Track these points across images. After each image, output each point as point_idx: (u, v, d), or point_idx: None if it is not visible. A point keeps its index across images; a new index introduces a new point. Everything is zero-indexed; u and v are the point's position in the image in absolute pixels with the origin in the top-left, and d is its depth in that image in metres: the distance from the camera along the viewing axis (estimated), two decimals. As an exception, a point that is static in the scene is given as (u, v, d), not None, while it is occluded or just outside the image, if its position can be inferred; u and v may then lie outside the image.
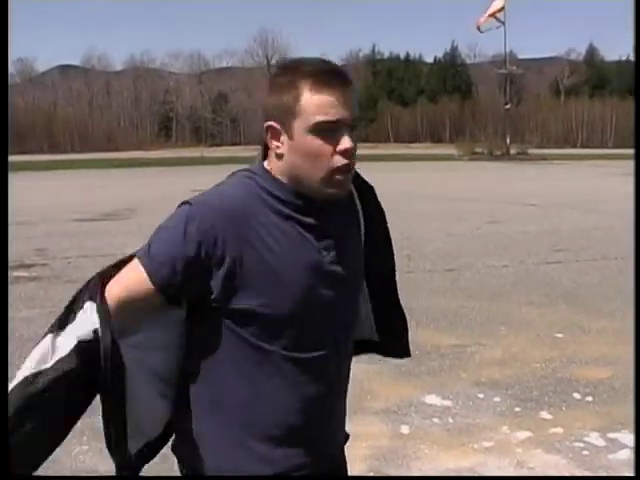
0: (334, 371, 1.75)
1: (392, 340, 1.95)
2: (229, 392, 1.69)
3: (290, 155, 1.61)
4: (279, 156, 1.63)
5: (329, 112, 1.56)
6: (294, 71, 1.59)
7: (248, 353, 1.66)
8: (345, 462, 1.91)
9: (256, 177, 1.67)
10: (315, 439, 1.74)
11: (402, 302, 1.95)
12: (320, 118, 1.56)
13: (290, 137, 1.59)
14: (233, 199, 1.63)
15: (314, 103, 1.56)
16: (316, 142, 1.57)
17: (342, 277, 1.70)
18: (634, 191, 11.51)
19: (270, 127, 1.62)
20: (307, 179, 1.61)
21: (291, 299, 1.63)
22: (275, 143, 1.62)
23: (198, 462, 1.72)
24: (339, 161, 1.59)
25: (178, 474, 1.82)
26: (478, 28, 59.45)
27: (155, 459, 1.80)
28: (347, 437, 1.91)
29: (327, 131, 1.57)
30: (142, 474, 1.77)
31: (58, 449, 1.67)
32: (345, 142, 1.58)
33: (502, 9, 58.57)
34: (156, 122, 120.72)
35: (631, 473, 3.97)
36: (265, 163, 1.69)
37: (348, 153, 1.59)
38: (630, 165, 38.62)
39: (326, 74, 1.58)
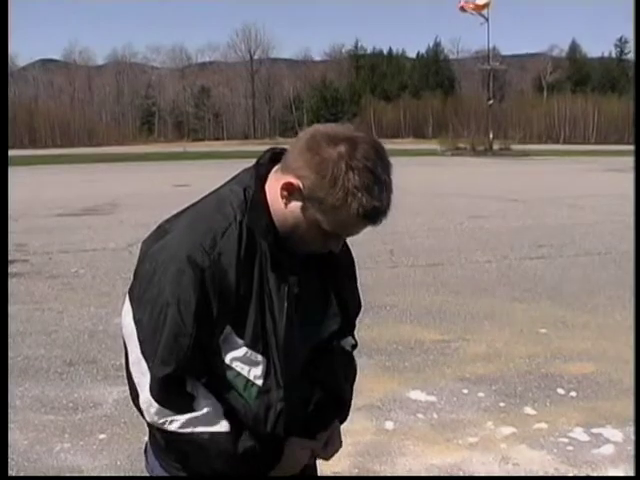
0: None
1: None
2: None
3: (288, 215, 1.64)
4: (283, 197, 1.63)
5: (349, 232, 1.68)
6: (358, 190, 1.56)
7: None
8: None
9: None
10: None
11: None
12: (339, 231, 1.66)
13: (302, 212, 1.62)
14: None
15: (347, 223, 1.62)
16: (317, 234, 1.65)
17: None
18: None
19: (294, 187, 1.60)
20: (289, 237, 1.67)
21: None
22: (284, 193, 1.62)
23: None
24: (323, 250, 1.71)
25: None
26: (462, 8, 59.08)
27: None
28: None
29: (331, 235, 1.66)
30: (141, 474, 1.75)
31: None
32: (336, 247, 1.72)
33: (487, 5, 58.49)
34: (138, 117, 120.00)
35: (615, 468, 3.99)
36: (268, 186, 1.67)
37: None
38: (612, 161, 38.94)
39: (378, 216, 1.61)
